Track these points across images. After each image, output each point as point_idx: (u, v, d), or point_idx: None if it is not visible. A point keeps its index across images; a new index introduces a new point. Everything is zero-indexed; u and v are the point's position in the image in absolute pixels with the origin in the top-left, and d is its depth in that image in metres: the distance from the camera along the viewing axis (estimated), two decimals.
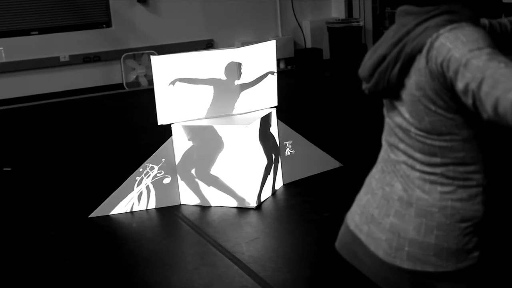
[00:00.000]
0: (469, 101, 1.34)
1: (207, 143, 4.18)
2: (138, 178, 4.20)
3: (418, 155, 1.54)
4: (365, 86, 1.60)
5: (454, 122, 1.48)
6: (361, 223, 1.67)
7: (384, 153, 1.68)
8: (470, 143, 1.50)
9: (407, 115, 1.53)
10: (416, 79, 1.47)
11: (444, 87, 1.43)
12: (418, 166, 1.55)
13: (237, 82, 4.29)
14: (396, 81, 1.50)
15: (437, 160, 1.52)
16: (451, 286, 1.57)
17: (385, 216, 1.60)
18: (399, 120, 1.57)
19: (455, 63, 1.36)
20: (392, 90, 1.53)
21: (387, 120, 1.65)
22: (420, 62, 1.45)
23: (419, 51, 1.45)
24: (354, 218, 1.71)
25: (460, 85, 1.35)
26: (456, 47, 1.37)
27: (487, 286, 1.61)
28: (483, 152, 1.53)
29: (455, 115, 1.46)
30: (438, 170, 1.53)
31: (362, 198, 1.71)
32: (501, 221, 3.68)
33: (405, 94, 1.51)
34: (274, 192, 4.44)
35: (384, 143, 1.68)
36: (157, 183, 4.25)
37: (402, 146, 1.58)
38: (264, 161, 4.30)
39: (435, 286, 1.58)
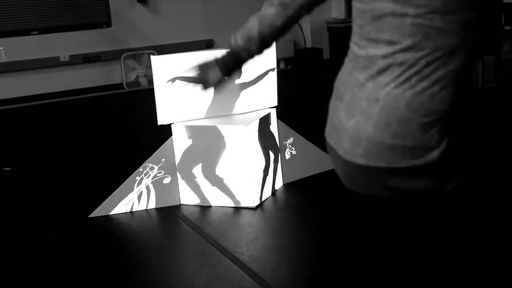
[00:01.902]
0: None
1: (207, 143, 4.18)
2: (138, 178, 4.20)
3: (408, 41, 1.46)
4: None
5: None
6: (331, 130, 1.67)
7: (358, 50, 1.61)
8: (468, 29, 1.44)
9: None
10: None
11: None
12: (400, 56, 1.49)
13: (237, 81, 4.29)
14: None
15: (428, 44, 1.45)
16: (405, 182, 1.54)
17: (350, 117, 1.57)
18: (391, 6, 1.48)
19: None
20: None
21: (368, 9, 1.54)
22: None
23: None
24: (327, 130, 1.72)
25: None
26: None
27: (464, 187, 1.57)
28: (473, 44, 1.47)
29: None
30: (423, 60, 1.46)
31: (332, 104, 1.71)
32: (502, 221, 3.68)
33: None
34: (274, 192, 4.44)
35: (358, 40, 1.61)
36: (157, 183, 4.25)
37: (385, 36, 1.50)
38: (264, 161, 4.30)
39: (390, 181, 1.55)
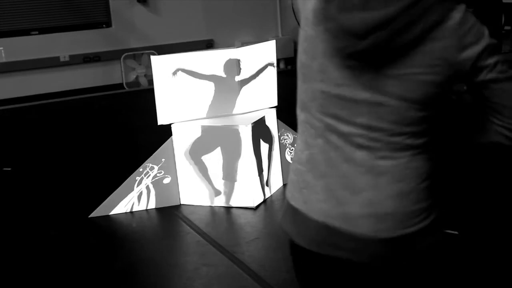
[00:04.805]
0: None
1: (207, 143, 4.18)
2: (138, 178, 4.20)
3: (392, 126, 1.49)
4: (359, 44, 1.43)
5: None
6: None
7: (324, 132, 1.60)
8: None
9: (395, 88, 1.46)
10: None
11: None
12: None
13: (237, 79, 4.28)
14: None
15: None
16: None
17: (357, 193, 1.55)
18: (367, 96, 1.49)
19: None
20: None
21: (345, 96, 1.53)
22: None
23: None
24: (321, 207, 1.61)
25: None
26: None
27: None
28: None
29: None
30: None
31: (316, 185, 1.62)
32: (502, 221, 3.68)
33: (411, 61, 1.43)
34: (274, 192, 4.44)
35: (321, 121, 1.60)
36: (157, 183, 4.25)
37: (359, 120, 1.52)
38: (263, 161, 4.30)
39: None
